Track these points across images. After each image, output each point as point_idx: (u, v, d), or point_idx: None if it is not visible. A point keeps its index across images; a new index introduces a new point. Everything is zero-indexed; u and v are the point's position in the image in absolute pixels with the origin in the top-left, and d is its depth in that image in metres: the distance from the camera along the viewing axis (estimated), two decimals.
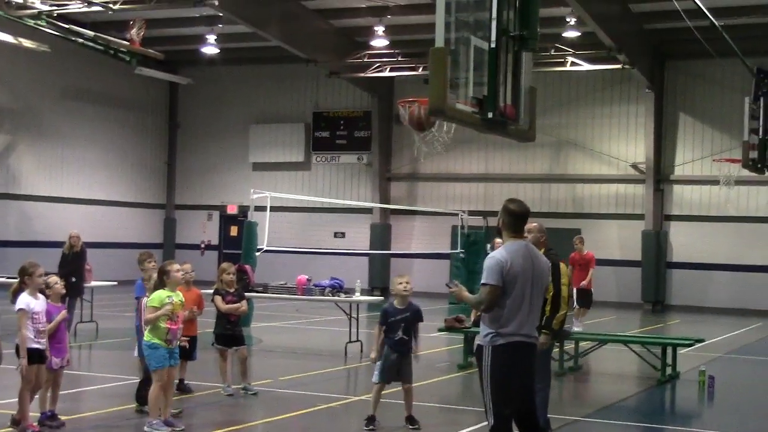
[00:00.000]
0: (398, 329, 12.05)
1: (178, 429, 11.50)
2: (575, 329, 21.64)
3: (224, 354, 14.42)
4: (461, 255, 33.82)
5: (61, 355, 11.52)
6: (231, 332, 14.50)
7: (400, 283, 12.24)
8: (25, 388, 11.02)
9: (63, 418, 11.67)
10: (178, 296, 11.75)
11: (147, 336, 11.63)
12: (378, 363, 12.11)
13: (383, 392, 12.23)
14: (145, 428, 11.46)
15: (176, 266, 11.99)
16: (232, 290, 14.65)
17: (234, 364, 14.70)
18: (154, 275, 12.13)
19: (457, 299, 9.52)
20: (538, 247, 10.63)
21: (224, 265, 15.21)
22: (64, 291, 12.00)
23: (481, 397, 9.03)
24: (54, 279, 11.75)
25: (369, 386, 15.66)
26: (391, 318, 12.12)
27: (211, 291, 14.68)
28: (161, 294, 11.57)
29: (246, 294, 19.79)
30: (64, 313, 11.61)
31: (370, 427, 11.94)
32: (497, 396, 8.90)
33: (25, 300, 10.99)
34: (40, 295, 11.24)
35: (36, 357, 11.00)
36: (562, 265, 11.37)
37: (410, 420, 12.13)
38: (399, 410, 12.27)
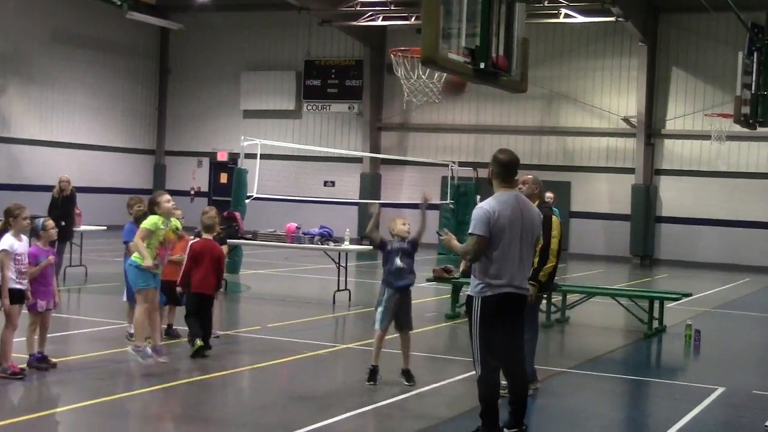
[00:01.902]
0: (396, 257, 11.71)
1: (162, 359, 11.53)
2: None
3: None
4: (451, 206, 33.87)
5: (47, 298, 11.54)
6: None
7: (404, 224, 11.89)
8: (8, 328, 11.06)
9: (52, 360, 11.70)
10: (173, 223, 11.91)
11: (135, 256, 11.69)
12: (379, 309, 11.79)
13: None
14: (130, 349, 11.54)
15: (166, 196, 12.07)
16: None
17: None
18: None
19: (446, 247, 9.47)
20: (533, 200, 10.68)
21: (205, 208, 15.20)
22: (56, 236, 12.03)
23: (470, 347, 9.07)
24: (51, 223, 11.80)
25: (357, 334, 15.77)
26: (388, 247, 11.79)
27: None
28: (155, 219, 11.72)
29: (235, 241, 19.88)
30: (51, 258, 11.62)
31: (372, 381, 11.62)
32: (485, 346, 8.95)
33: (8, 241, 11.04)
34: (24, 237, 11.29)
35: (17, 297, 11.08)
36: (554, 218, 11.35)
37: (406, 375, 11.79)
38: (398, 361, 12.15)
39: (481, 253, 8.90)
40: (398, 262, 11.74)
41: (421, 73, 23.02)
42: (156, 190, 39.37)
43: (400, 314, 11.80)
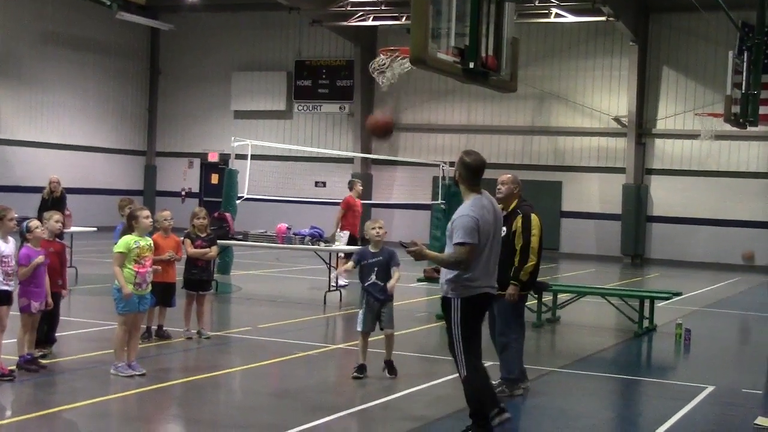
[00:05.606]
0: (371, 273, 11.97)
1: (138, 373, 11.49)
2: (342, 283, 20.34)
3: (191, 298, 14.49)
4: (442, 206, 33.83)
5: (40, 299, 11.52)
6: (197, 277, 14.56)
7: (373, 228, 12.11)
8: None
9: (42, 361, 11.68)
10: (145, 240, 11.74)
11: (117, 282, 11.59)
12: (360, 312, 12.04)
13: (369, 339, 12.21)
14: (111, 371, 11.50)
15: (146, 212, 11.95)
16: (203, 235, 14.68)
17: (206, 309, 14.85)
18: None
19: (416, 259, 9.03)
20: (512, 199, 11.05)
21: (196, 209, 15.23)
22: (44, 236, 11.98)
23: (452, 349, 9.07)
24: (35, 222, 11.74)
25: (347, 335, 15.78)
26: (363, 261, 12.06)
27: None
28: (128, 239, 11.57)
29: (226, 242, 19.85)
30: (41, 257, 11.57)
31: (361, 375, 11.91)
32: (469, 347, 8.96)
33: None
34: (11, 239, 11.23)
35: (5, 299, 11.04)
36: (534, 217, 11.26)
37: (389, 366, 12.09)
38: (381, 358, 12.28)
39: (473, 261, 8.88)
40: (373, 277, 12.01)
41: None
42: (147, 191, 39.76)
43: (381, 317, 12.04)
